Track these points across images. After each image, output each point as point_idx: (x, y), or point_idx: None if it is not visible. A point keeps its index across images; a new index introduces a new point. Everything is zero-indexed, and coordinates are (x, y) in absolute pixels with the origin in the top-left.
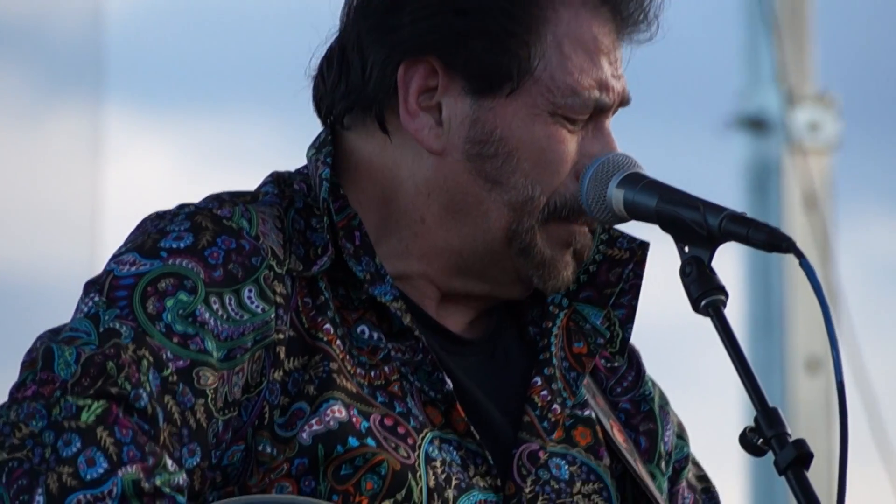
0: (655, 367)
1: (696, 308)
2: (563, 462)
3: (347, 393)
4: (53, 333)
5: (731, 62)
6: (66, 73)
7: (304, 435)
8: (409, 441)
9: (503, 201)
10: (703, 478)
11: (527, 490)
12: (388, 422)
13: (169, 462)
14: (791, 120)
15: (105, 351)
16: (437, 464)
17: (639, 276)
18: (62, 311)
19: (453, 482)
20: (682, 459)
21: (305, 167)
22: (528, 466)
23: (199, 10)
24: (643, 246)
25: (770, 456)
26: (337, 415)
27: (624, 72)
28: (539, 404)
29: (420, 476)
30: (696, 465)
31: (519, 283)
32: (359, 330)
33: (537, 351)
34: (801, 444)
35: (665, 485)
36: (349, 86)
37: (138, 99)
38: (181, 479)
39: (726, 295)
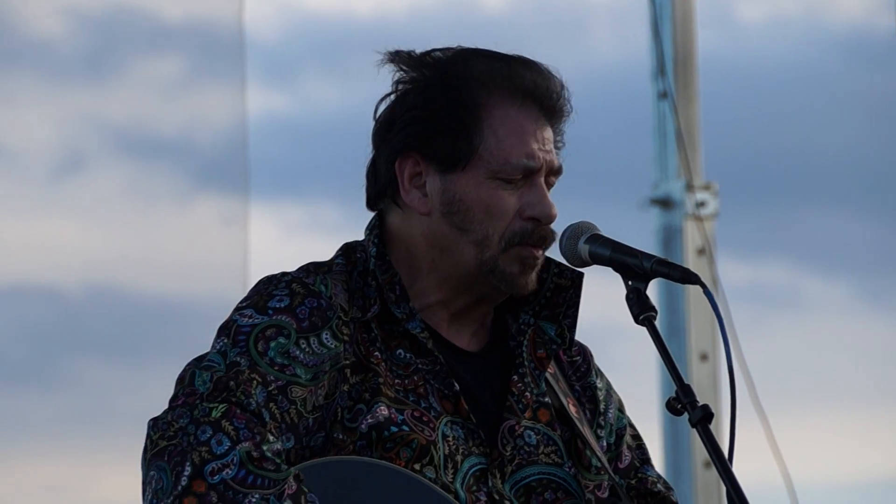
0: (609, 356)
1: (637, 321)
2: (532, 433)
3: (388, 398)
4: (197, 361)
5: (650, 163)
6: (216, 168)
7: (363, 426)
8: (431, 426)
9: (469, 241)
10: (636, 436)
11: (507, 454)
12: (416, 414)
13: (271, 437)
14: (688, 200)
15: (229, 374)
16: (450, 439)
17: (577, 295)
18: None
19: (460, 450)
20: (622, 428)
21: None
22: (508, 437)
23: (310, 127)
24: (580, 276)
25: (680, 414)
26: (383, 412)
27: (555, 146)
28: (516, 393)
29: (438, 447)
30: (632, 427)
31: (494, 292)
32: (397, 353)
33: (514, 357)
34: (706, 407)
35: (609, 440)
36: (376, 181)
37: (273, 186)
38: (279, 445)
39: (656, 312)
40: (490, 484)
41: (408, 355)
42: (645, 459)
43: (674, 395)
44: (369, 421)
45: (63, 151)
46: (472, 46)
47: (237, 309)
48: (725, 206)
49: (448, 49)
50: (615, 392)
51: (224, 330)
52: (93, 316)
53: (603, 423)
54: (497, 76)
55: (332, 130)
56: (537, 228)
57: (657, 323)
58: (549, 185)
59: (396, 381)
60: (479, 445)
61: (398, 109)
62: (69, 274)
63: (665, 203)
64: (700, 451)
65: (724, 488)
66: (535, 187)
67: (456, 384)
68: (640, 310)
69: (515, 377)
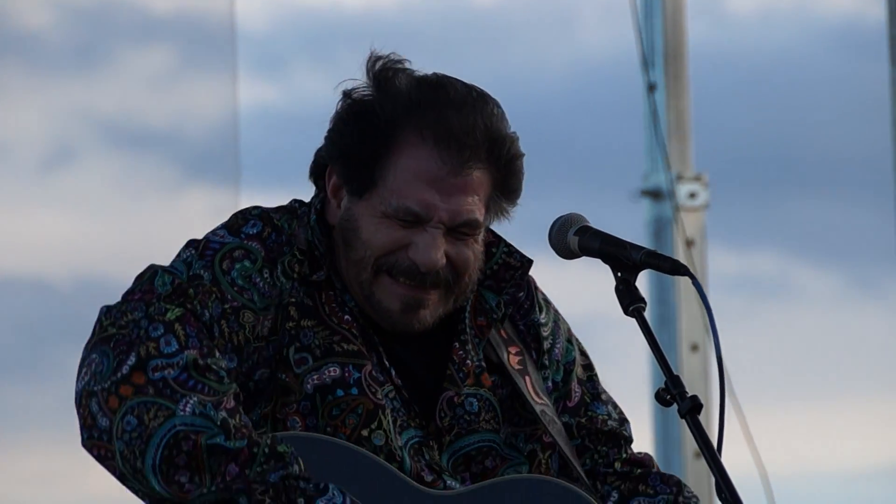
0: (599, 347)
1: (626, 312)
2: (475, 399)
3: (346, 354)
4: (160, 266)
5: (640, 156)
6: (206, 159)
7: (309, 386)
8: (383, 388)
9: (352, 259)
10: (587, 366)
11: (444, 426)
12: (374, 373)
13: (217, 353)
14: (677, 191)
15: (190, 283)
16: (390, 410)
17: (523, 278)
18: None
19: (398, 422)
20: (571, 361)
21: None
22: (446, 410)
23: (300, 119)
24: (529, 262)
25: (669, 405)
26: (332, 374)
27: (501, 196)
28: (457, 361)
29: (386, 412)
30: (584, 356)
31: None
32: (345, 318)
33: (456, 323)
34: (694, 398)
35: (556, 378)
36: (315, 168)
37: (263, 178)
38: (224, 363)
39: (645, 303)
40: (427, 457)
41: (355, 322)
42: (595, 395)
43: (663, 385)
44: (315, 382)
45: (52, 143)
46: (439, 73)
47: (212, 231)
48: (716, 196)
49: (405, 74)
50: (563, 321)
51: (193, 243)
52: (82, 307)
53: (548, 362)
54: (422, 114)
55: (322, 122)
56: (414, 268)
57: (647, 314)
58: (461, 235)
59: (346, 344)
60: (416, 418)
61: (335, 120)
62: (58, 265)
63: (655, 194)
64: (690, 442)
65: (713, 479)
66: (425, 234)
67: (386, 361)
68: (630, 301)
69: (457, 344)
